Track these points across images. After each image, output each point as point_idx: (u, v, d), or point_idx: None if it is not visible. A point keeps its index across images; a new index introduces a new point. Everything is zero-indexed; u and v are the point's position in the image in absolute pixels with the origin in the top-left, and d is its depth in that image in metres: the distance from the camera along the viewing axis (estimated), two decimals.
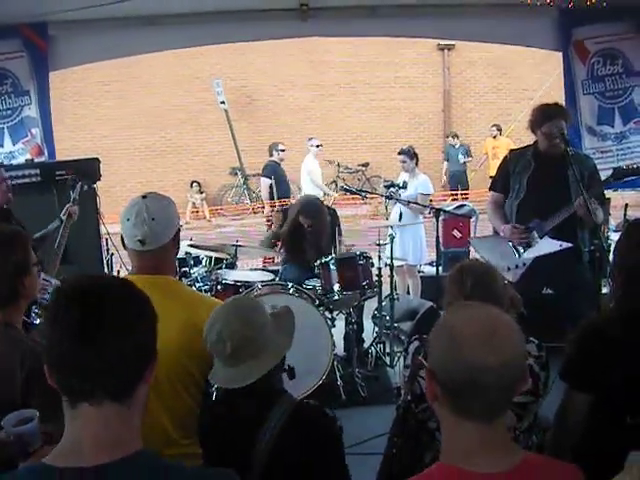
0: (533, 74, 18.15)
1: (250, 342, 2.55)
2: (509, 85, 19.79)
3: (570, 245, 5.17)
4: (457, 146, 17.87)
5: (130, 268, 3.04)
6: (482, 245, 5.84)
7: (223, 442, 2.57)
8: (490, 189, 5.89)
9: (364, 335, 7.10)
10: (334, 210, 7.27)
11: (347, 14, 6.98)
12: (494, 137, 16.93)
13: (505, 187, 5.57)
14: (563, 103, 6.88)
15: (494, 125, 17.16)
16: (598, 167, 5.65)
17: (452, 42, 18.66)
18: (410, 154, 8.36)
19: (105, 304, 1.57)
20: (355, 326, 6.54)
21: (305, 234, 6.71)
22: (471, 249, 7.80)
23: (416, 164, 8.39)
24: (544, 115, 5.22)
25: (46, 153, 6.99)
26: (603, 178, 5.32)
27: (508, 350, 1.68)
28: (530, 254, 5.25)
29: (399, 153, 8.53)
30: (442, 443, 1.79)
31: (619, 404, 2.69)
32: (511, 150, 5.96)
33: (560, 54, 7.03)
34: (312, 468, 2.52)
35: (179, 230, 2.95)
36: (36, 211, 5.91)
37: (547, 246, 5.19)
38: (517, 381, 1.71)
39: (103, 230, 7.02)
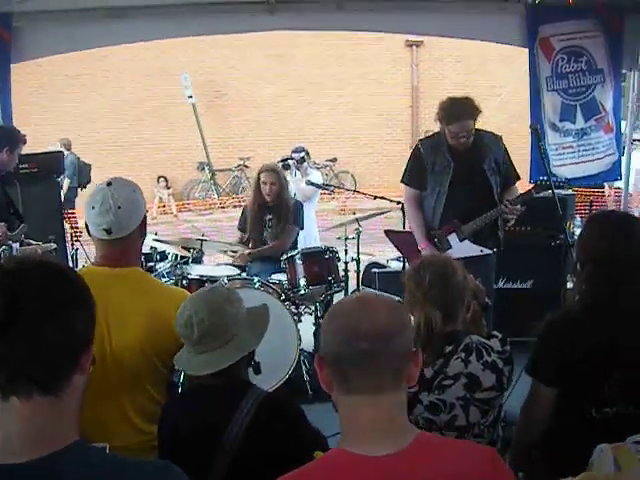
0: (501, 71, 18.25)
1: (217, 331, 2.53)
2: (477, 82, 19.85)
3: (490, 252, 5.21)
4: None
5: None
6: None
7: (186, 436, 2.54)
8: (405, 182, 5.56)
9: None
10: (301, 204, 7.22)
11: (315, 8, 6.95)
12: None
13: (421, 183, 5.38)
14: (528, 99, 6.98)
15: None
16: (560, 163, 5.62)
17: (420, 39, 18.73)
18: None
19: (25, 290, 1.47)
20: (321, 321, 6.51)
21: (266, 219, 6.70)
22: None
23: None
24: (452, 115, 5.14)
25: None
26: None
27: (382, 320, 1.72)
28: (452, 255, 5.19)
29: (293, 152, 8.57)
30: (340, 428, 1.79)
31: (585, 398, 2.72)
32: (421, 140, 5.71)
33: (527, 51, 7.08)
34: (281, 458, 2.50)
35: (145, 217, 2.92)
36: None
37: (467, 249, 5.16)
38: (399, 354, 1.72)
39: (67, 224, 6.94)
